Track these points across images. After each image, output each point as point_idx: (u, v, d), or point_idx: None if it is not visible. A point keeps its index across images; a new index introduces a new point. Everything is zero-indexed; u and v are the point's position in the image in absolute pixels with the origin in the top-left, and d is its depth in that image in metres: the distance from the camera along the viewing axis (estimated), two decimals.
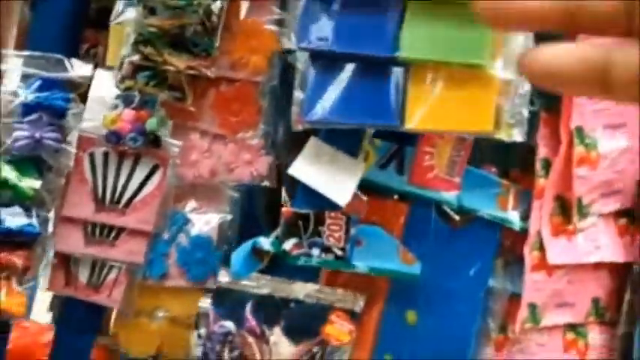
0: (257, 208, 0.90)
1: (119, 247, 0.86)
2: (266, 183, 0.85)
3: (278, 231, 0.76)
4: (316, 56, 0.73)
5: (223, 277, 0.78)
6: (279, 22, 0.82)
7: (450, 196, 0.76)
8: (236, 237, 0.88)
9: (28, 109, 0.77)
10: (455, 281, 0.76)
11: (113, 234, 0.86)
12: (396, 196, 0.80)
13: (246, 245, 0.77)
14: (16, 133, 0.77)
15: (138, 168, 0.84)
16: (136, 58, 0.77)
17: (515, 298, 0.77)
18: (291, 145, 0.78)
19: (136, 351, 0.92)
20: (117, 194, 0.85)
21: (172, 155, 0.84)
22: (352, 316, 0.77)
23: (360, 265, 0.75)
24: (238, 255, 0.76)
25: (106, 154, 0.83)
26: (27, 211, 0.81)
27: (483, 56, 0.70)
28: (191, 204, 0.88)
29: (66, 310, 0.92)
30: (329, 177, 0.73)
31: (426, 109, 0.68)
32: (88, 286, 0.88)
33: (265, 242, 0.75)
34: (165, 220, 0.86)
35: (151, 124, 0.81)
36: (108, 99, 0.81)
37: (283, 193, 0.85)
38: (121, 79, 0.79)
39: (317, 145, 0.73)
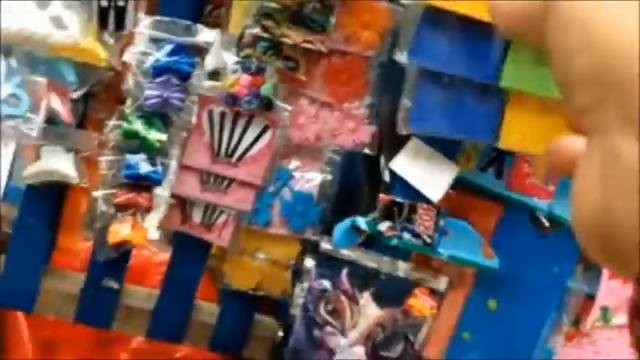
0: (357, 172, 0.96)
1: (230, 195, 0.95)
2: (367, 150, 0.90)
3: (375, 213, 0.82)
4: (425, 69, 0.77)
5: (326, 244, 0.86)
6: None
7: (542, 203, 0.80)
8: (335, 196, 0.95)
9: (158, 71, 0.85)
10: (536, 278, 0.82)
11: (225, 183, 0.95)
12: (491, 198, 0.85)
13: (347, 221, 0.84)
14: (147, 92, 0.85)
15: (250, 127, 0.92)
16: (256, 29, 0.83)
17: (589, 298, 0.82)
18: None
19: (237, 284, 1.03)
20: (230, 149, 0.93)
21: (282, 118, 0.90)
22: (435, 294, 0.84)
23: (445, 252, 0.81)
24: (340, 228, 0.84)
25: (222, 113, 0.91)
26: (151, 159, 0.90)
27: None
28: (295, 162, 0.95)
29: (179, 242, 1.03)
30: (425, 175, 0.78)
31: (520, 131, 0.73)
32: (201, 225, 0.98)
33: (362, 222, 0.82)
34: (272, 175, 0.94)
35: (265, 89, 0.87)
36: (228, 63, 0.88)
37: (382, 161, 0.91)
38: (241, 47, 0.85)
39: (417, 145, 0.78)
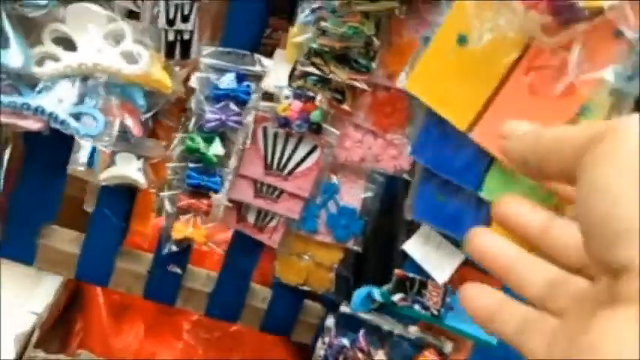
0: (396, 191, 1.03)
1: (280, 204, 1.04)
2: (406, 176, 0.97)
3: (390, 285, 0.90)
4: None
5: (345, 308, 0.95)
6: None
7: None
8: (377, 211, 1.03)
9: (218, 97, 0.93)
10: None
11: (277, 193, 1.04)
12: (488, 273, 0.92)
13: (364, 290, 0.92)
14: (208, 116, 0.94)
15: (300, 146, 0.99)
16: (307, 65, 0.89)
17: None
18: None
19: (286, 279, 1.14)
20: (282, 164, 1.01)
21: (330, 140, 0.97)
22: (440, 355, 0.93)
23: (450, 325, 0.90)
24: (358, 295, 0.93)
25: (276, 132, 0.99)
26: (211, 170, 1.00)
27: None
28: (342, 179, 1.02)
29: (237, 235, 1.14)
30: (434, 259, 0.86)
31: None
32: (254, 227, 1.08)
33: (377, 293, 0.91)
34: (319, 189, 1.02)
35: (315, 116, 0.94)
36: (283, 87, 0.95)
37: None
38: (294, 79, 0.92)
39: (427, 231, 0.85)
